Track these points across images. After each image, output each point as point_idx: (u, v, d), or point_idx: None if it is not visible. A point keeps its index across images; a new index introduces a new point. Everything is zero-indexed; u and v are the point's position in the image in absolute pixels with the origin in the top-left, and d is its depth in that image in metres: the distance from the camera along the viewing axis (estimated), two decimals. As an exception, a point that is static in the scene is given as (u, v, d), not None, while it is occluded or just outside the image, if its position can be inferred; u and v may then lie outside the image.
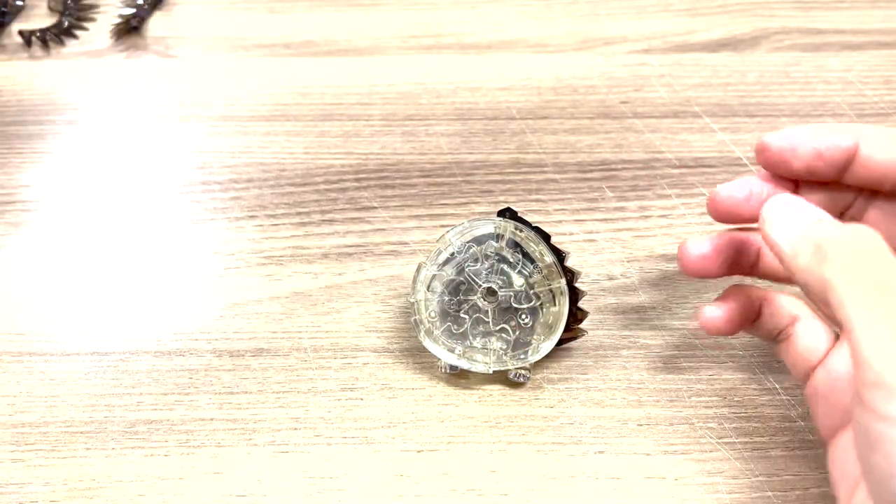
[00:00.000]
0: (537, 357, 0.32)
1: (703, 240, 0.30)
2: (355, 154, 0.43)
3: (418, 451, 0.31)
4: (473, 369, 0.32)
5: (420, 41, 0.50)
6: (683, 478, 0.30)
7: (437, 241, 0.33)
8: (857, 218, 0.31)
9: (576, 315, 0.33)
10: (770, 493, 0.30)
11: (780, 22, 0.51)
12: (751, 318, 0.30)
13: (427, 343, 0.32)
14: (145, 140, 0.44)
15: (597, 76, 0.47)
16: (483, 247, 0.32)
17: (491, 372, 0.32)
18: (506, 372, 0.33)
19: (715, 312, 0.29)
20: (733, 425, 0.32)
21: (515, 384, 0.33)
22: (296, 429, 0.32)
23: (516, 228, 0.32)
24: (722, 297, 0.30)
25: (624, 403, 0.32)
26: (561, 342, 0.32)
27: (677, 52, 0.49)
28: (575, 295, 0.32)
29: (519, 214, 0.32)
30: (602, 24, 0.51)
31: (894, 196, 0.30)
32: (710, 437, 0.31)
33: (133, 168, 0.43)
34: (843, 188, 0.30)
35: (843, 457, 0.25)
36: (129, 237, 0.39)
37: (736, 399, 0.32)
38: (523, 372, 0.32)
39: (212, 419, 0.32)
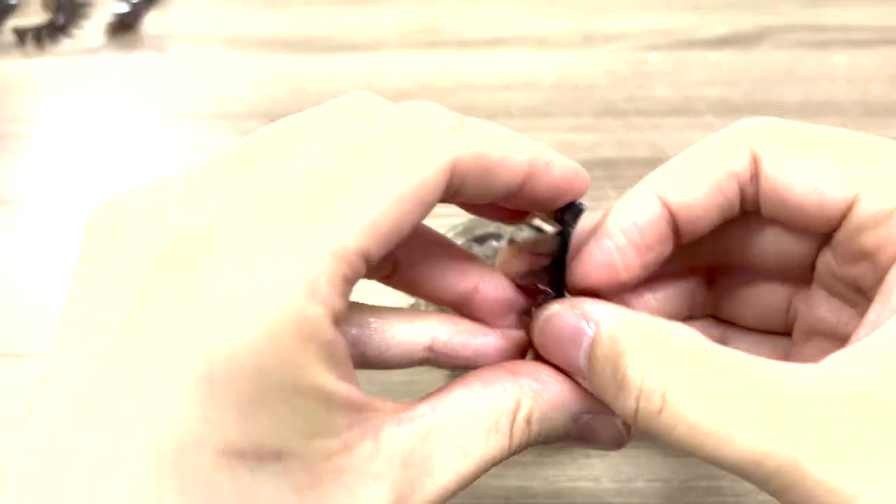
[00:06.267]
0: None
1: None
2: (353, 153, 0.42)
3: (417, 456, 0.31)
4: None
5: (419, 38, 0.50)
6: (688, 481, 0.30)
7: None
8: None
9: None
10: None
11: (785, 18, 0.50)
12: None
13: None
14: (140, 138, 0.44)
15: (599, 73, 0.47)
16: (483, 247, 0.32)
17: None
18: None
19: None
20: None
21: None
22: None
23: (518, 227, 0.32)
24: None
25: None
26: None
27: (681, 48, 0.48)
28: None
29: None
30: (604, 21, 0.51)
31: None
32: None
33: (128, 167, 0.43)
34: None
35: None
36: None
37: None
38: None
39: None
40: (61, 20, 0.51)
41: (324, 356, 0.16)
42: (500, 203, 0.20)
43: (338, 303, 0.16)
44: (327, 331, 0.16)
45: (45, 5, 0.52)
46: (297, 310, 0.15)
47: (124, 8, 0.51)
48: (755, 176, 0.20)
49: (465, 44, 0.49)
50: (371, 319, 0.21)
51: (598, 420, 0.20)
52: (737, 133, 0.21)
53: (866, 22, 0.50)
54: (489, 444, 0.19)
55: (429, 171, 0.17)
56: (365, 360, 0.21)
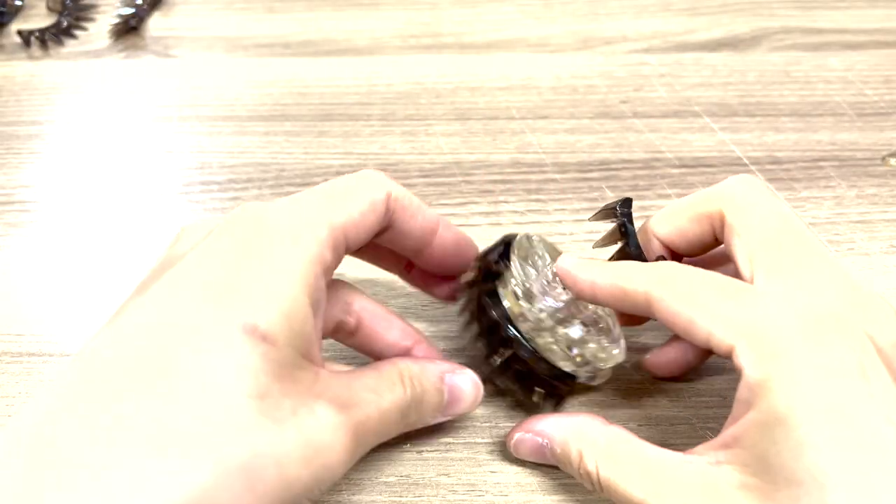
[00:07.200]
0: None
1: (664, 350, 0.31)
2: (354, 154, 0.43)
3: (419, 452, 0.31)
4: (606, 364, 0.30)
5: (419, 41, 0.50)
6: (684, 478, 0.30)
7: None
8: None
9: None
10: (771, 494, 0.29)
11: (781, 21, 0.51)
12: (701, 356, 0.31)
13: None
14: (144, 140, 0.44)
15: (597, 76, 0.47)
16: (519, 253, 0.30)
17: (623, 359, 0.31)
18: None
19: (659, 357, 0.31)
20: (734, 425, 0.31)
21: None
22: (295, 429, 0.32)
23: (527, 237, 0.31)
24: (669, 341, 0.31)
25: (624, 404, 0.32)
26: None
27: (677, 51, 0.49)
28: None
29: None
30: (602, 24, 0.51)
31: None
32: (711, 437, 0.31)
33: (132, 168, 0.43)
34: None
35: None
36: (128, 237, 0.39)
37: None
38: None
39: (211, 420, 0.32)
40: (66, 22, 0.51)
41: (305, 354, 0.24)
42: (413, 255, 0.30)
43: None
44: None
45: (50, 8, 0.53)
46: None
47: (128, 10, 0.51)
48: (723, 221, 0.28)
49: (464, 47, 0.50)
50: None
51: (458, 376, 0.29)
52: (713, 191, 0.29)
53: (861, 24, 0.50)
54: (394, 391, 0.26)
55: (379, 194, 0.27)
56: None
